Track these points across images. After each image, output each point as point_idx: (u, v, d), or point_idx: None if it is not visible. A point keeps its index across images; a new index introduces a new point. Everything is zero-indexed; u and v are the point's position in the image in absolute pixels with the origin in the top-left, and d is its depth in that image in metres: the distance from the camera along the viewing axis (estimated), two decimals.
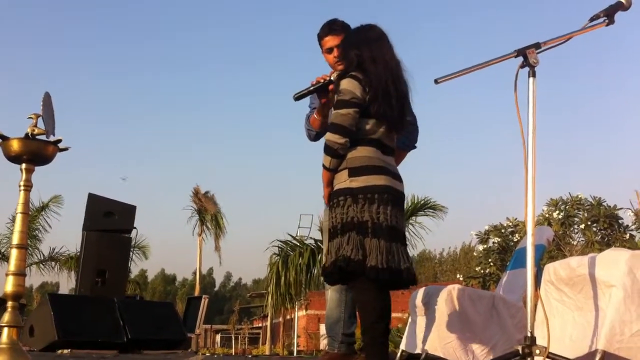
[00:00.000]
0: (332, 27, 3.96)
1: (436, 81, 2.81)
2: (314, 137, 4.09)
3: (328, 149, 3.28)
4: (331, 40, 3.93)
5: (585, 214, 20.00)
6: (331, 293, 3.97)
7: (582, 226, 19.90)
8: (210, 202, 30.30)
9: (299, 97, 3.70)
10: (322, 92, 3.71)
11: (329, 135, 3.28)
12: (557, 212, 20.32)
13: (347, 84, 3.29)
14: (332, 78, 3.66)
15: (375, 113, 3.29)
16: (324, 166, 3.34)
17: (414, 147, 4.10)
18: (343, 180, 3.27)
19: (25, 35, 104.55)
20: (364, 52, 3.36)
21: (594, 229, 19.81)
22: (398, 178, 3.38)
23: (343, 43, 3.61)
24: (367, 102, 3.27)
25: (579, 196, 20.48)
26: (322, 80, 3.66)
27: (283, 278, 16.09)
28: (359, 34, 3.47)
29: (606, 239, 19.42)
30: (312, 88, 3.70)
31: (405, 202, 3.49)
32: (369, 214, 3.18)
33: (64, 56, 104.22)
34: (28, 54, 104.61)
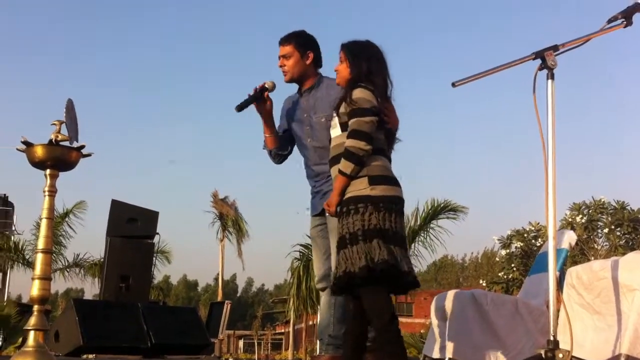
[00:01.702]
0: (281, 38, 4.04)
1: (454, 84, 2.82)
2: (275, 156, 4.16)
3: (352, 156, 3.27)
4: (280, 51, 4.03)
5: (609, 218, 19.82)
6: (323, 297, 3.98)
7: (606, 230, 19.72)
8: (228, 206, 30.35)
9: (240, 108, 3.85)
10: (258, 101, 3.88)
11: (353, 142, 3.26)
12: (580, 216, 20.16)
13: (363, 93, 3.32)
14: (265, 85, 3.87)
15: (383, 126, 3.39)
16: (343, 174, 3.30)
17: None
18: (363, 188, 3.27)
19: (49, 42, 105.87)
20: (374, 66, 3.42)
21: (618, 233, 19.62)
22: (401, 188, 3.43)
23: (352, 52, 3.52)
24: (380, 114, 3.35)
25: (602, 200, 20.30)
26: (258, 88, 3.85)
27: (304, 283, 16.09)
28: (370, 49, 3.51)
29: (630, 243, 19.24)
30: (248, 99, 3.86)
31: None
32: (389, 222, 3.23)
33: (87, 62, 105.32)
34: (51, 61, 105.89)
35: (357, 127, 3.28)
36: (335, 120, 3.46)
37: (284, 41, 4.00)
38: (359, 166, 3.28)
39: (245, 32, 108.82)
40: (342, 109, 3.39)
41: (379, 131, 3.36)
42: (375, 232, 3.19)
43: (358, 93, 3.32)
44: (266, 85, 3.88)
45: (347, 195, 3.31)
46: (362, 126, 3.26)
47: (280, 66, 3.99)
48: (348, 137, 3.31)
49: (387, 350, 3.20)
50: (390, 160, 3.47)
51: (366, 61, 3.43)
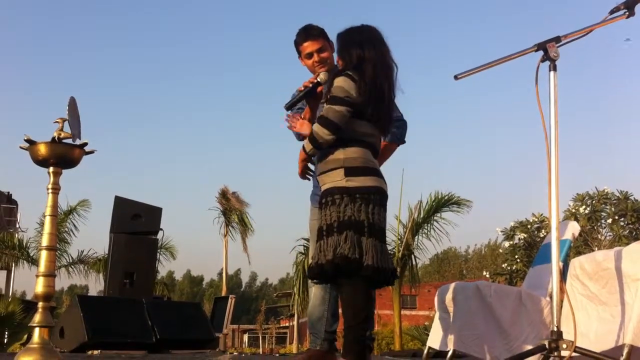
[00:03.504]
0: (310, 32, 4.00)
1: (456, 77, 2.82)
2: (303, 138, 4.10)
3: (314, 140, 3.29)
4: (310, 46, 3.97)
5: (612, 209, 19.83)
6: (315, 290, 3.99)
7: (610, 221, 19.73)
8: (239, 201, 30.34)
9: (290, 106, 3.74)
10: (311, 96, 3.69)
11: (317, 128, 3.26)
12: (584, 207, 20.16)
13: (342, 82, 3.28)
14: (318, 80, 3.65)
15: (370, 116, 3.33)
16: (304, 149, 3.41)
17: (404, 142, 4.13)
18: (339, 179, 3.26)
19: (51, 40, 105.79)
20: (367, 52, 3.35)
21: (622, 223, 19.63)
22: (384, 180, 3.41)
23: (343, 40, 3.49)
24: (361, 105, 3.28)
25: (606, 190, 20.29)
26: (309, 85, 3.64)
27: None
28: (363, 33, 3.44)
29: (634, 233, 19.24)
30: (301, 94, 3.69)
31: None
32: (365, 214, 3.21)
33: (90, 57, 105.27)
34: (53, 59, 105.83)
35: (325, 114, 3.26)
36: (321, 108, 3.46)
37: (317, 36, 3.98)
38: (318, 150, 3.33)
39: (245, 27, 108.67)
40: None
41: (362, 122, 3.32)
42: (348, 224, 3.18)
43: (338, 81, 3.29)
44: (319, 79, 3.68)
45: (326, 187, 3.32)
46: (330, 114, 3.24)
47: (319, 60, 3.96)
48: (317, 121, 3.31)
49: (349, 349, 3.19)
50: (374, 150, 3.41)
51: (357, 48, 3.36)
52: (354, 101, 3.25)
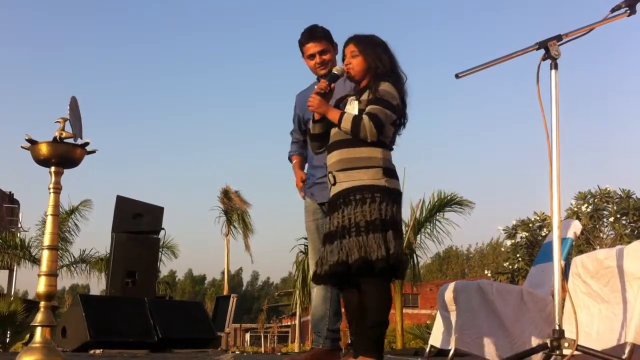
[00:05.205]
0: (313, 34, 3.98)
1: (457, 76, 2.82)
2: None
3: (358, 130, 3.22)
4: (313, 47, 3.97)
5: (615, 207, 19.80)
6: (317, 290, 3.97)
7: (612, 219, 19.71)
8: (241, 200, 30.38)
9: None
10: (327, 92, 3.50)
11: (369, 124, 3.20)
12: (586, 205, 20.15)
13: (390, 88, 3.30)
14: (336, 72, 3.46)
15: (400, 124, 3.41)
16: (339, 121, 3.27)
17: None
18: (378, 178, 3.27)
19: (51, 38, 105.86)
20: (393, 59, 3.43)
21: (624, 222, 19.61)
22: None
23: (368, 45, 3.42)
24: (400, 112, 3.36)
25: (608, 189, 20.28)
26: (321, 91, 3.42)
27: (309, 276, 16.11)
28: (382, 43, 3.46)
29: (636, 231, 19.22)
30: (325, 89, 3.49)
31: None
32: (399, 215, 3.31)
33: (92, 57, 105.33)
34: (55, 57, 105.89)
35: (379, 114, 3.23)
36: (355, 105, 3.36)
37: (320, 37, 3.98)
38: (354, 137, 3.25)
39: (244, 24, 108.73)
40: (364, 96, 3.33)
41: (393, 127, 3.36)
42: (390, 224, 3.22)
43: (387, 87, 3.30)
44: (336, 72, 3.48)
45: (362, 183, 3.27)
46: (382, 116, 3.23)
47: (321, 62, 3.96)
48: (368, 116, 3.23)
49: (370, 345, 3.19)
50: None
51: (387, 55, 3.41)
52: (399, 109, 3.33)
